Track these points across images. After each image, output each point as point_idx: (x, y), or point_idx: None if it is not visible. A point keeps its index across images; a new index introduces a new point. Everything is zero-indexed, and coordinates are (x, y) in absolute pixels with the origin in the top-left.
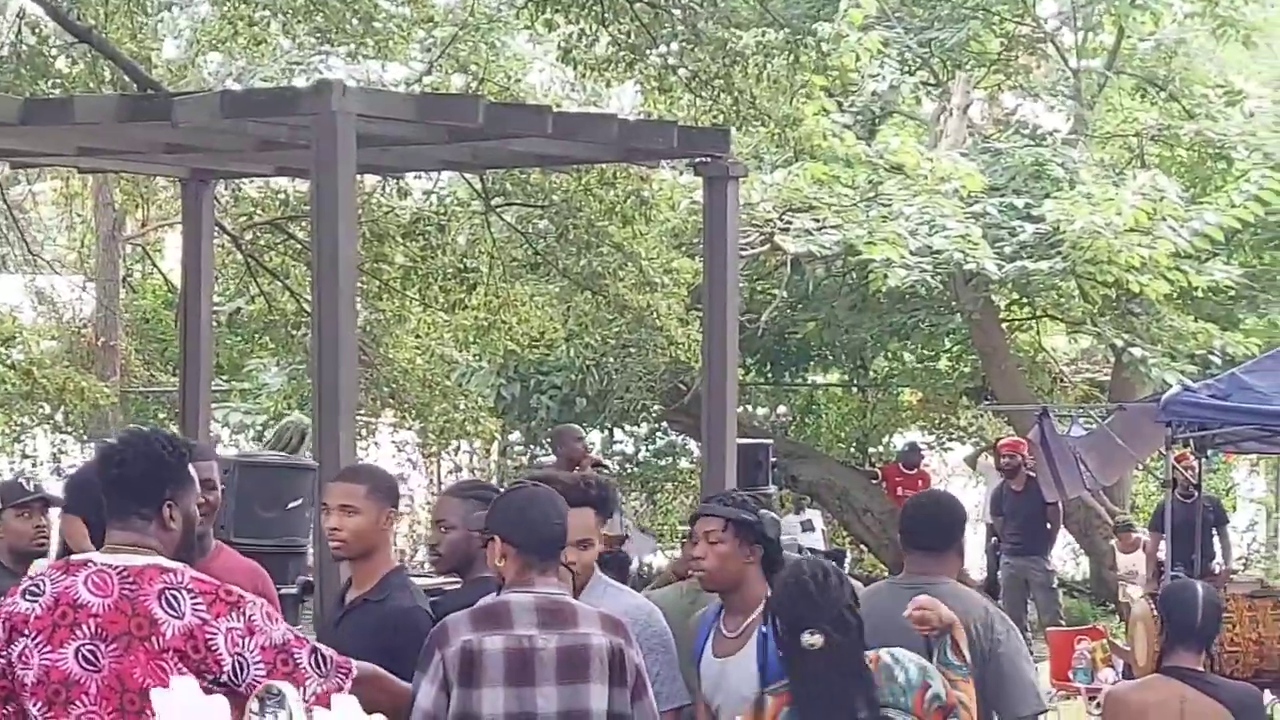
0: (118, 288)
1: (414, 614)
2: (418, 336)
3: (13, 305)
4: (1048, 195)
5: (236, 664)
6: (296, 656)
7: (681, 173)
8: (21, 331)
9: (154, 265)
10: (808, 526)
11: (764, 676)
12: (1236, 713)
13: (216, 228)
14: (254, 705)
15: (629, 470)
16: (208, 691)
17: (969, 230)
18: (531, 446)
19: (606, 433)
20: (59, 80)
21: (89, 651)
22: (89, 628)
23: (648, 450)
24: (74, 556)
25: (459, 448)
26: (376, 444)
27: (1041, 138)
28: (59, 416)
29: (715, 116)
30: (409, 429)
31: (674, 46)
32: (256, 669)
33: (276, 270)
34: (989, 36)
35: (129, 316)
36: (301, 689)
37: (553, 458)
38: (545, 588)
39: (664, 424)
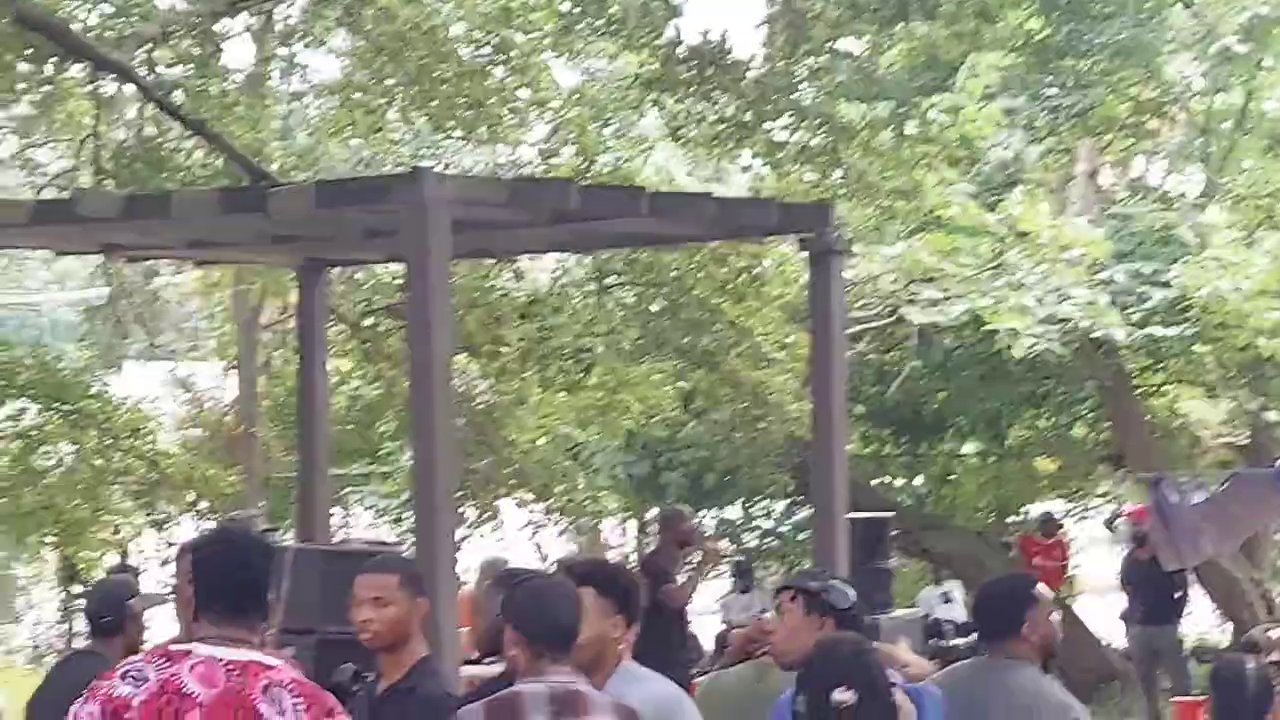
0: (257, 375)
1: (444, 700)
2: (540, 417)
3: (150, 395)
4: (1177, 260)
5: None
6: None
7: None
8: (147, 422)
9: (295, 351)
10: (947, 598)
11: None
12: None
13: (333, 315)
14: None
15: (767, 545)
16: None
17: (1096, 297)
18: None
19: (743, 510)
20: (180, 172)
21: None
22: (194, 718)
23: (786, 524)
24: (174, 645)
25: (594, 526)
26: (503, 525)
27: (1170, 202)
28: (203, 504)
29: (825, 191)
30: (531, 509)
31: (781, 122)
32: None
33: (394, 355)
34: (1115, 101)
35: (269, 403)
36: None
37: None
38: (558, 677)
39: (800, 497)
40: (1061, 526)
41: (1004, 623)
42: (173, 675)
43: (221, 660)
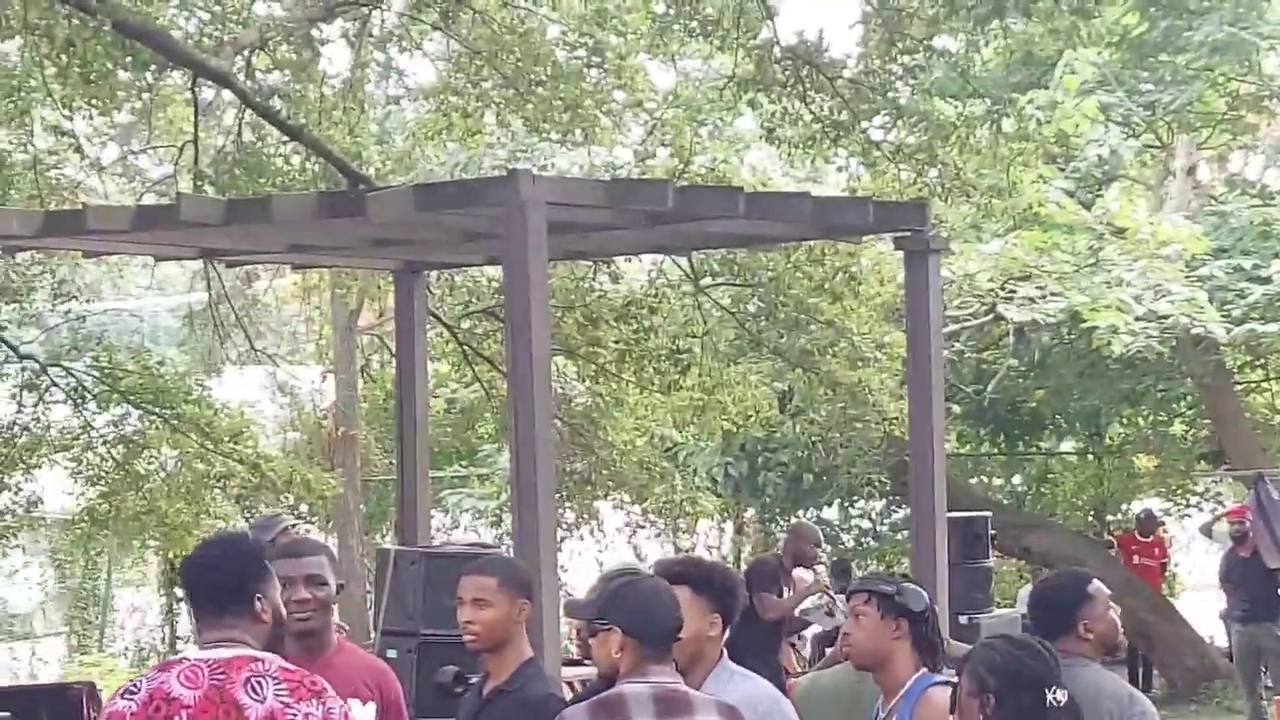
0: (356, 378)
1: (549, 702)
2: (637, 418)
3: (249, 400)
4: (1276, 255)
5: None
6: None
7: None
8: (249, 426)
9: (391, 354)
10: None
11: None
12: None
13: (431, 318)
14: None
15: (865, 544)
16: None
17: (1194, 294)
18: (767, 524)
19: (842, 509)
20: (277, 177)
21: None
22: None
23: (884, 524)
24: (171, 657)
25: (691, 527)
26: (601, 527)
27: (1269, 197)
28: (303, 508)
29: (921, 190)
30: (628, 510)
31: (877, 121)
32: None
33: (493, 357)
34: (1213, 96)
35: (367, 406)
36: None
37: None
38: (660, 677)
39: (897, 497)
40: (1161, 524)
41: (1059, 621)
42: (161, 684)
43: (207, 661)
